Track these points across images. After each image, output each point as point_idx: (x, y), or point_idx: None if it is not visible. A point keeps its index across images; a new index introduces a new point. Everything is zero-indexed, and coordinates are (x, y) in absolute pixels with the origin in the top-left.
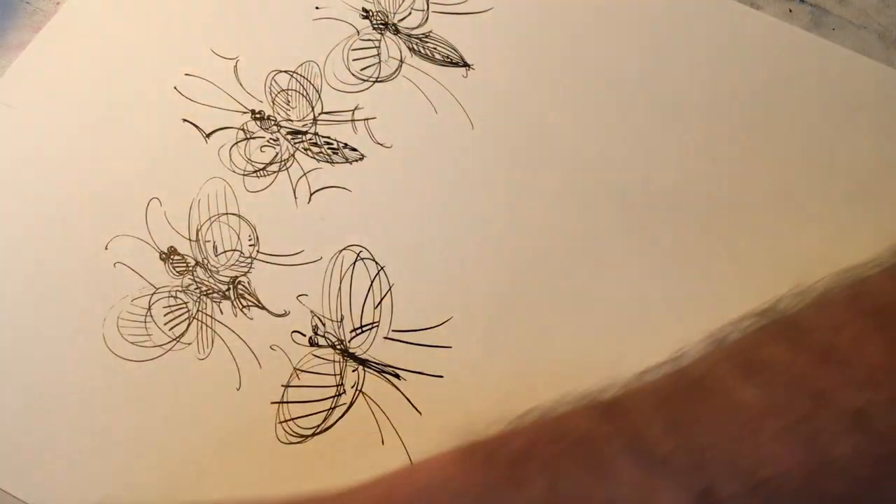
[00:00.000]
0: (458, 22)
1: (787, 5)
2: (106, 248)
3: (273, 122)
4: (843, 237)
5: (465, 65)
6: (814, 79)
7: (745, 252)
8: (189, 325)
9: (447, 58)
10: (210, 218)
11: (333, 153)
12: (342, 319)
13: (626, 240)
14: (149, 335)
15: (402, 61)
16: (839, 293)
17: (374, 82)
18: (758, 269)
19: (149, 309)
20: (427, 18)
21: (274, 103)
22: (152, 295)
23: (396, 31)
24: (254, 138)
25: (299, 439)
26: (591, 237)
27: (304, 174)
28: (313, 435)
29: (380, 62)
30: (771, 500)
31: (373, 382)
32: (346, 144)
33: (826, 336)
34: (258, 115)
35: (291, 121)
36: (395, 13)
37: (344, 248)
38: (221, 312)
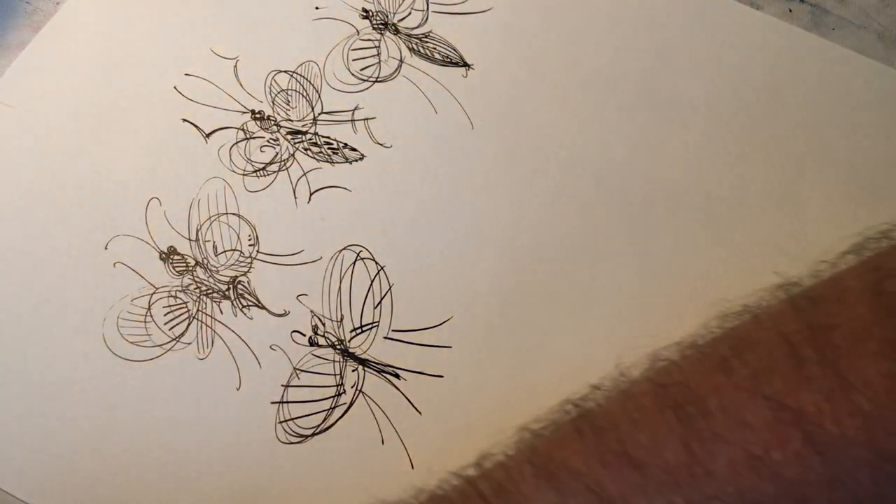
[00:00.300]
0: (458, 22)
1: (787, 5)
2: (105, 248)
3: (273, 122)
4: (843, 236)
5: (465, 65)
6: (813, 78)
7: (744, 252)
8: (189, 324)
9: (447, 58)
10: (210, 218)
11: (333, 153)
12: (342, 319)
13: (625, 239)
14: (148, 335)
15: (401, 61)
16: (645, 383)
17: (374, 82)
18: (756, 269)
19: (148, 309)
20: (427, 18)
21: (274, 103)
22: (152, 295)
23: (396, 31)
24: (254, 138)
25: (299, 439)
26: (591, 236)
27: (304, 174)
28: (313, 435)
29: (380, 62)
30: None
31: (373, 382)
32: (345, 144)
33: (626, 434)
34: (258, 115)
35: (291, 121)
36: (394, 13)
37: (344, 248)
38: (221, 312)
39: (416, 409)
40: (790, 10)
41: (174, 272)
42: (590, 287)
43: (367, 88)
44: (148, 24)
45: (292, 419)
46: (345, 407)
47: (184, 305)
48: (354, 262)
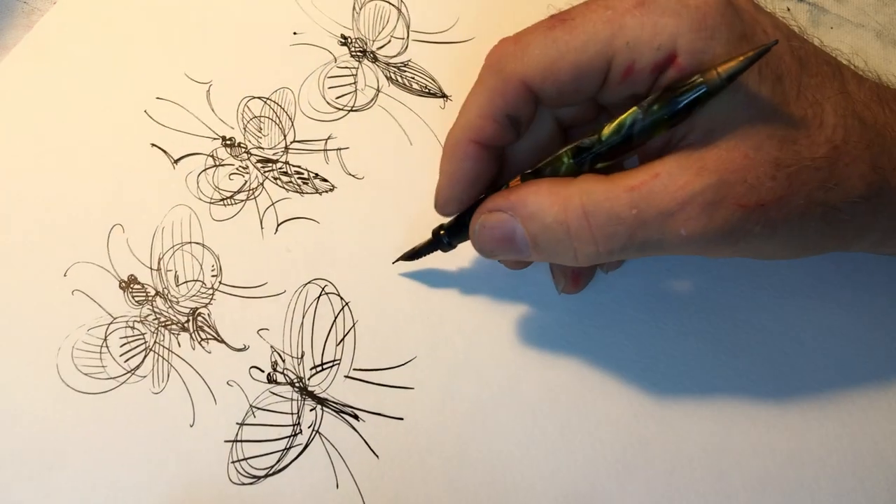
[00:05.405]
0: (439, 51)
1: (786, 3)
2: (65, 275)
3: (243, 150)
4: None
5: (444, 96)
6: None
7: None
8: (145, 357)
9: (425, 88)
10: (173, 246)
11: (303, 183)
12: (302, 356)
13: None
14: (103, 366)
15: (378, 90)
16: None
17: (349, 111)
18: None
19: (105, 339)
20: (407, 46)
21: (245, 130)
22: (109, 325)
23: (375, 59)
24: (223, 165)
25: (251, 480)
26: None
27: (273, 204)
28: (266, 476)
29: (356, 91)
30: None
31: (330, 423)
32: (316, 175)
33: None
34: (229, 142)
35: (262, 148)
36: (374, 41)
37: (309, 282)
38: (179, 345)
39: (373, 452)
40: (788, 9)
41: (133, 302)
42: (561, 322)
43: (342, 117)
44: (120, 46)
45: (245, 459)
46: (300, 448)
47: (141, 337)
48: (319, 297)
